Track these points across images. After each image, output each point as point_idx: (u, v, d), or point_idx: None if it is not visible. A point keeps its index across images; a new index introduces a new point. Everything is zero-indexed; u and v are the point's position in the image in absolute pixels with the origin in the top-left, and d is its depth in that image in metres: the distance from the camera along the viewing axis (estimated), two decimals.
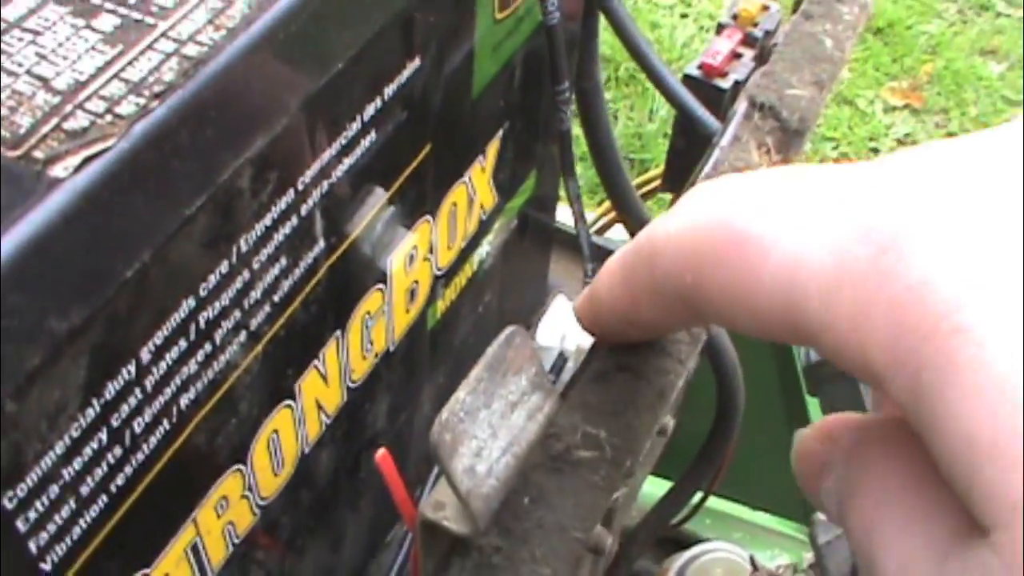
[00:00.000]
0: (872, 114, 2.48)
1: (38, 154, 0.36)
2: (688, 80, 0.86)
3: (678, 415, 0.96)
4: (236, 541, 0.54)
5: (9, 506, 0.38)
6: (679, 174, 0.99)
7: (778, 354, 1.24)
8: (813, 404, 1.29)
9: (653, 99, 2.54)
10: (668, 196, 1.04)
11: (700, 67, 0.87)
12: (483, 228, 0.71)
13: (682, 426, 0.97)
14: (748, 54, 0.90)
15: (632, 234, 0.94)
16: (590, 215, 1.02)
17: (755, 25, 0.91)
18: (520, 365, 0.52)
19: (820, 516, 0.92)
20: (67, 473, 0.40)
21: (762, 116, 0.66)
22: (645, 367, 0.56)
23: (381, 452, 0.49)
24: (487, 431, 0.49)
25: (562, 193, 0.81)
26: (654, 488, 1.02)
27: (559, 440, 0.53)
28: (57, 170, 0.36)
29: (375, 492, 0.70)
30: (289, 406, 0.54)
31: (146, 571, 0.48)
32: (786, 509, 1.34)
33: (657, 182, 1.09)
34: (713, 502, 1.34)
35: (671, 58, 2.66)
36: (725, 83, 0.86)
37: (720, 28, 0.92)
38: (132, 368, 0.41)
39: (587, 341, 0.56)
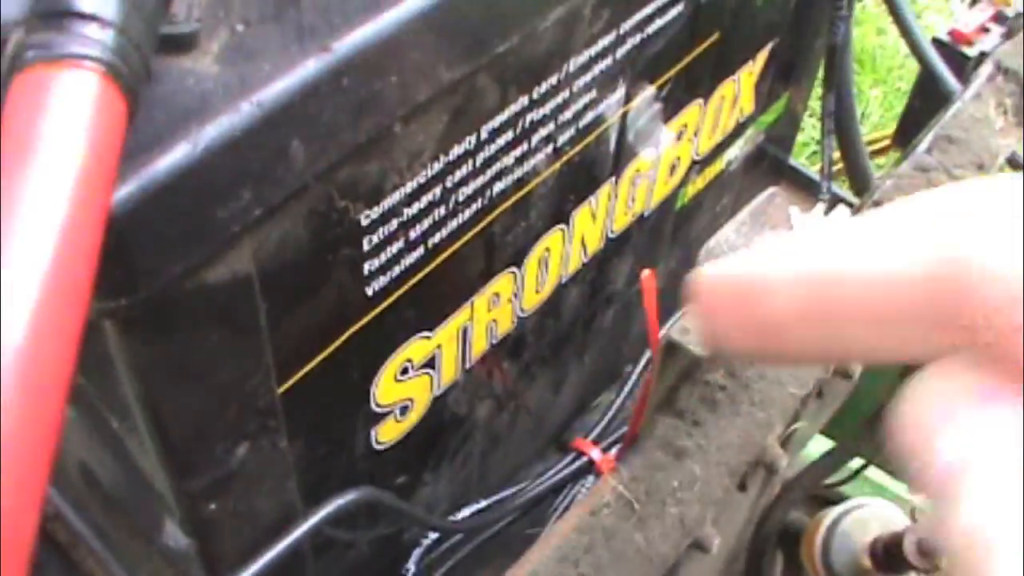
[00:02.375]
0: None
1: None
2: (936, 43, 0.91)
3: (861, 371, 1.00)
4: (494, 341, 0.61)
5: (364, 222, 0.45)
6: (911, 131, 1.03)
7: None
8: None
9: (866, 103, 2.54)
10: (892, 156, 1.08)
11: (950, 33, 0.92)
12: (737, 131, 0.77)
13: (858, 392, 1.01)
14: (996, 30, 0.94)
15: (853, 186, 0.99)
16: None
17: (1008, 4, 0.95)
18: (776, 223, 0.58)
19: None
20: (406, 213, 0.48)
21: (1005, 79, 0.70)
22: None
23: (647, 272, 0.56)
24: None
25: None
26: (819, 446, 1.06)
27: None
28: None
29: (598, 351, 0.77)
30: (562, 230, 0.61)
31: (428, 334, 0.55)
32: None
33: (887, 141, 1.13)
34: (874, 472, 1.36)
35: (891, 66, 2.65)
36: (971, 51, 0.91)
37: (974, 1, 0.96)
38: (472, 140, 0.48)
39: None
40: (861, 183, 0.97)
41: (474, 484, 0.73)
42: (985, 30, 0.93)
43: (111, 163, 0.28)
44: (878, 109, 2.51)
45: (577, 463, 0.72)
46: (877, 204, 0.63)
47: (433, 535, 0.69)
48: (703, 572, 1.10)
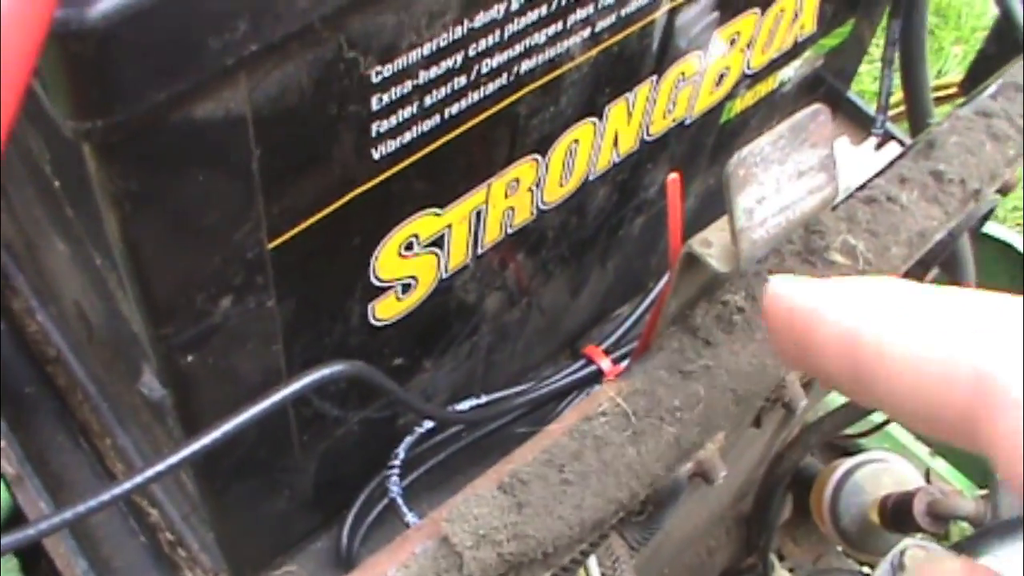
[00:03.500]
0: None
1: None
2: None
3: None
4: (509, 231, 0.59)
5: (374, 79, 0.43)
6: (981, 79, 0.99)
7: None
8: None
9: (945, 59, 2.48)
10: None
11: None
12: (795, 50, 0.73)
13: None
14: None
15: (912, 126, 0.95)
16: None
17: None
18: (816, 141, 0.54)
19: None
20: (422, 76, 0.45)
21: None
22: (914, 207, 0.58)
23: (673, 176, 0.53)
24: (773, 184, 0.52)
25: None
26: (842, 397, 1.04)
27: (821, 238, 0.56)
28: None
29: (623, 260, 0.74)
30: (593, 123, 0.58)
31: (438, 211, 0.53)
32: (964, 465, 1.33)
33: (954, 89, 1.08)
34: (897, 430, 1.34)
35: (976, 26, 2.58)
36: None
37: None
38: (501, 8, 0.46)
39: (856, 182, 0.59)
40: (921, 124, 0.93)
41: (477, 378, 0.71)
42: None
43: None
44: (957, 67, 2.45)
45: (585, 370, 0.70)
46: (930, 145, 0.60)
47: (428, 425, 0.67)
48: (709, 505, 1.08)
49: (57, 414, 0.76)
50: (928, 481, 1.04)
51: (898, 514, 0.98)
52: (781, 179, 0.53)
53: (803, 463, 1.15)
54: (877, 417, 1.12)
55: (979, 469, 1.31)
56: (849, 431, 1.12)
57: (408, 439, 0.67)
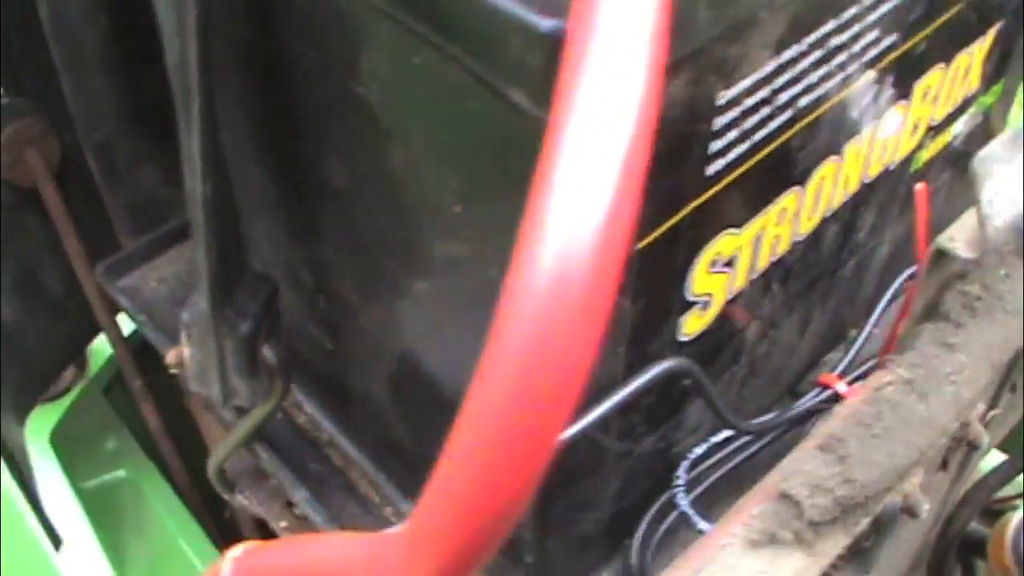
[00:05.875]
0: None
1: None
2: None
3: None
4: (773, 258, 0.70)
5: (719, 102, 0.55)
6: None
7: None
8: None
9: None
10: None
11: None
12: (964, 105, 0.85)
13: None
14: None
15: None
16: None
17: None
18: None
19: None
20: (744, 103, 0.57)
21: None
22: None
23: (920, 185, 0.64)
24: (1003, 181, 0.64)
25: None
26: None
27: None
28: None
29: (836, 303, 0.85)
30: (835, 161, 0.69)
31: (735, 231, 0.64)
32: None
33: None
34: None
35: None
36: None
37: None
38: (795, 48, 0.58)
39: None
40: None
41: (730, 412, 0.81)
42: None
43: None
44: None
45: (824, 395, 0.79)
46: None
47: (696, 452, 0.77)
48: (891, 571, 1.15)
49: (342, 486, 0.87)
50: None
51: None
52: (1009, 177, 0.64)
53: (969, 529, 1.21)
54: None
55: None
56: (1008, 493, 1.18)
57: (684, 463, 0.76)
